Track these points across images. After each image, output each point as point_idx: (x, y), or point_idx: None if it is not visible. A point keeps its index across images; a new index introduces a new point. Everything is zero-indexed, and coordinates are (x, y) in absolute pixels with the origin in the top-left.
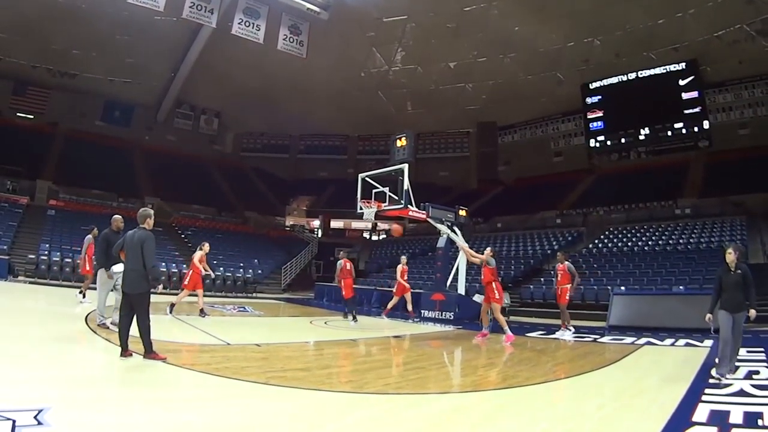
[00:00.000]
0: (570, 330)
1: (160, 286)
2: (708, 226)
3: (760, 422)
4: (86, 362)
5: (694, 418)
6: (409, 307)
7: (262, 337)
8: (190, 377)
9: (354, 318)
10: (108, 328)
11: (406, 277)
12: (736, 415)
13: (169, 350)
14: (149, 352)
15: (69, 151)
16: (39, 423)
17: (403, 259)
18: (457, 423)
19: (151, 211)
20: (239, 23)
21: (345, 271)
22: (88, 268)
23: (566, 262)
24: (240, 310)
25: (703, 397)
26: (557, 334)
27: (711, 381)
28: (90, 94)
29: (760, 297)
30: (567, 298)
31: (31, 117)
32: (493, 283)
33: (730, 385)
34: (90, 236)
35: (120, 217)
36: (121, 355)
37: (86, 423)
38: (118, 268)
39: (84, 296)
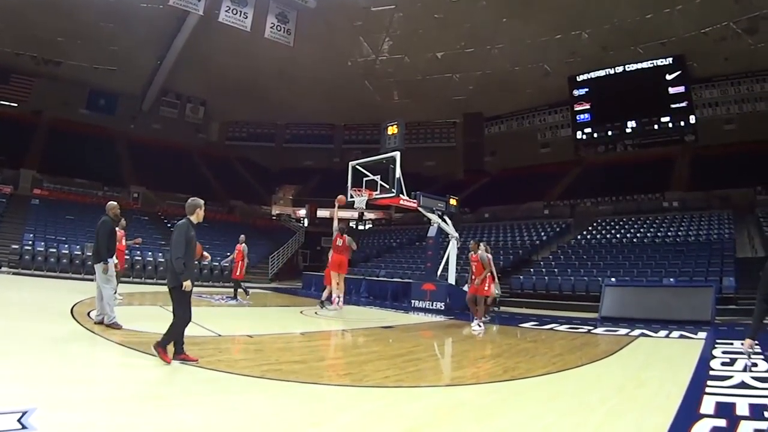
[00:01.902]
0: (481, 326)
1: (187, 283)
2: (696, 219)
3: (767, 414)
4: (75, 359)
5: (702, 411)
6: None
7: (253, 328)
8: (182, 372)
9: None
10: (120, 327)
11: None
12: (742, 408)
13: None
14: (160, 345)
15: (53, 139)
16: (23, 426)
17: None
18: (461, 417)
19: (201, 202)
20: (226, 11)
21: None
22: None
23: (479, 251)
24: (228, 300)
25: (707, 389)
26: (472, 325)
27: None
28: (74, 82)
29: (751, 290)
30: (486, 289)
31: (15, 105)
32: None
33: (731, 377)
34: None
35: (116, 204)
36: (174, 357)
37: (73, 425)
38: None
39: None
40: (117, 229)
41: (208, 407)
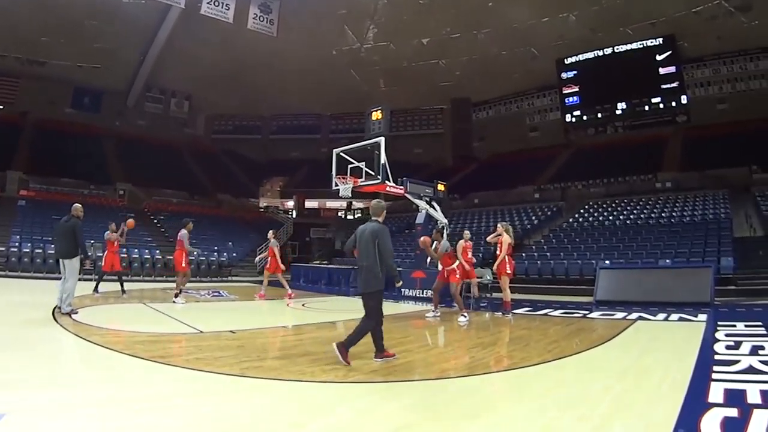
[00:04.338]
0: (466, 316)
1: (400, 283)
2: (690, 199)
3: None
4: (51, 362)
5: (710, 399)
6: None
7: (237, 323)
8: (159, 372)
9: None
10: (75, 314)
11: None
12: (753, 395)
13: (138, 341)
14: (380, 351)
15: (39, 140)
16: None
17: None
18: (455, 412)
19: (385, 204)
20: (208, 3)
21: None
22: (184, 264)
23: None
24: (215, 295)
25: (714, 375)
26: (460, 320)
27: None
28: (59, 81)
29: (750, 271)
30: (456, 277)
31: (1, 107)
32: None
33: (738, 361)
34: (185, 231)
35: (80, 205)
36: (375, 356)
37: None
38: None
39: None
40: (184, 231)
41: (183, 410)
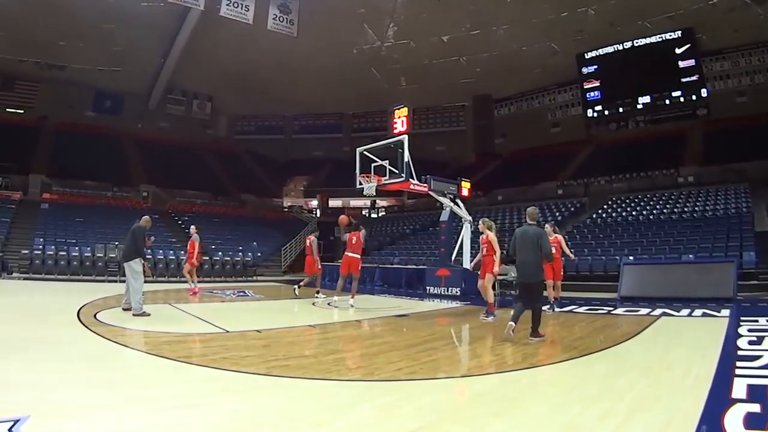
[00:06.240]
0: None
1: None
2: (712, 193)
3: None
4: (74, 363)
5: (734, 395)
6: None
7: (262, 323)
8: (184, 372)
9: None
10: (146, 314)
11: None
12: None
13: (163, 342)
14: (535, 332)
15: (61, 143)
16: None
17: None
18: (480, 410)
19: (537, 209)
20: (227, 4)
21: None
22: (319, 266)
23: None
24: (240, 295)
25: (737, 371)
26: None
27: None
28: (80, 85)
29: None
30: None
31: (21, 111)
32: None
33: (760, 357)
34: (314, 237)
35: (147, 217)
36: (531, 335)
37: None
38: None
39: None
40: (315, 238)
41: (208, 408)
